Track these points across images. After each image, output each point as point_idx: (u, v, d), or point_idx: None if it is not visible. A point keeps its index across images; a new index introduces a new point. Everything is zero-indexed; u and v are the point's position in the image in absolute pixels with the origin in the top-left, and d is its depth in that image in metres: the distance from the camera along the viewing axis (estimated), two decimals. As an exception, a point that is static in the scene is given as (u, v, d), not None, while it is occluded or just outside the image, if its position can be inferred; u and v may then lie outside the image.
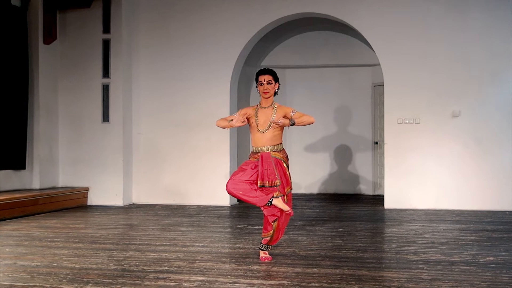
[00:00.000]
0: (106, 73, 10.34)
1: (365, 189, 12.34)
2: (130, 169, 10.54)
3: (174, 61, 10.51)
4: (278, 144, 5.45)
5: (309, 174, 12.55)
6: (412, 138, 9.74)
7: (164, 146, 10.53)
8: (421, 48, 9.75)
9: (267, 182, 5.27)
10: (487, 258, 5.44)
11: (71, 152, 10.52)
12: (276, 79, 5.49)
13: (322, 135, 12.53)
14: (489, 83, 9.56)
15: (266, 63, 12.27)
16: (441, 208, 9.52)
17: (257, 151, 5.44)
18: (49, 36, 10.10)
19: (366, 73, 12.34)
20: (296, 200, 10.76)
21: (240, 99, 11.06)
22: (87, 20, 10.38)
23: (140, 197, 10.61)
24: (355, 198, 11.54)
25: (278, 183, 5.28)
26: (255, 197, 5.27)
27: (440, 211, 9.25)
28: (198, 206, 10.12)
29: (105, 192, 10.32)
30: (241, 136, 11.56)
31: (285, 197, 5.38)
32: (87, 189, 10.38)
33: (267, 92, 5.44)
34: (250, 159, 5.46)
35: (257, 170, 5.33)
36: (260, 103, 5.54)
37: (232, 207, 10.03)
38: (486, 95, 9.58)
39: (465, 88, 9.61)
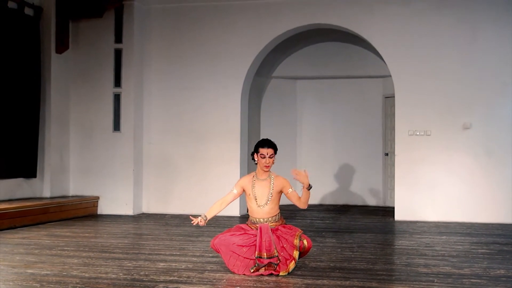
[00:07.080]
0: (117, 82, 10.40)
1: (376, 200, 12.29)
2: (140, 179, 10.56)
3: (185, 71, 10.56)
4: (275, 215, 5.49)
5: (319, 185, 12.46)
6: (423, 150, 9.70)
7: (174, 155, 10.56)
8: (432, 60, 9.73)
9: (265, 254, 5.20)
10: (498, 272, 5.40)
11: (82, 161, 10.56)
12: (276, 152, 5.54)
13: (332, 146, 12.52)
14: (500, 95, 9.52)
15: (277, 73, 12.29)
16: (452, 221, 9.47)
17: (255, 222, 5.47)
18: (62, 45, 10.18)
19: (377, 84, 12.31)
20: (306, 211, 10.73)
21: (251, 110, 11.07)
22: (99, 29, 10.46)
23: (150, 206, 10.63)
24: (365, 209, 11.49)
25: (276, 254, 5.21)
26: (232, 265, 5.27)
27: (450, 224, 9.20)
28: (207, 216, 10.08)
29: (115, 201, 10.34)
30: (251, 144, 11.54)
31: (305, 241, 5.36)
32: (98, 198, 10.41)
33: (268, 166, 5.47)
34: (248, 224, 5.51)
35: (252, 239, 5.32)
36: (256, 174, 5.55)
37: (242, 217, 10.01)
38: (497, 107, 9.54)
39: (476, 100, 9.58)
